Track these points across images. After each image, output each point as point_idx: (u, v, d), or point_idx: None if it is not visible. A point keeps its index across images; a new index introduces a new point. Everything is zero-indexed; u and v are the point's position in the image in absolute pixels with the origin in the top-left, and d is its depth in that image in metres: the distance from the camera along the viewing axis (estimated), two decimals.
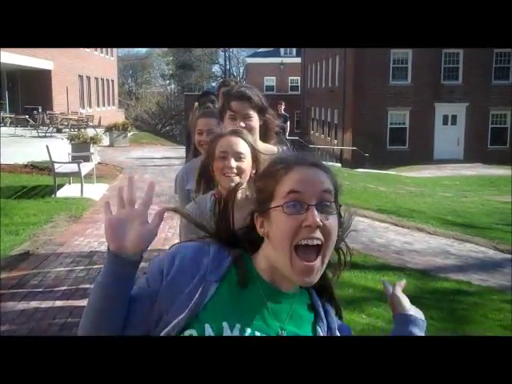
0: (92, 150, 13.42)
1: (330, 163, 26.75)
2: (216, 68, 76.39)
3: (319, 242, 1.29)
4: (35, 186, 11.38)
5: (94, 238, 7.58)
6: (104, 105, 41.19)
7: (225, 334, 1.25)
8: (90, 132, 17.13)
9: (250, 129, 2.62)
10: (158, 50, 73.12)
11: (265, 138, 2.91)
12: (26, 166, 13.77)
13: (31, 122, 24.48)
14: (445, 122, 30.95)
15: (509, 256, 8.63)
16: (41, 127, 23.89)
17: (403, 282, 1.58)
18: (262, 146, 2.74)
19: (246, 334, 1.28)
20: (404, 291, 1.57)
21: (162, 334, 1.30)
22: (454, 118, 30.92)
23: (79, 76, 34.54)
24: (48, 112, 26.21)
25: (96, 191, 11.18)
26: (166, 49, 72.41)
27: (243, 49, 69.71)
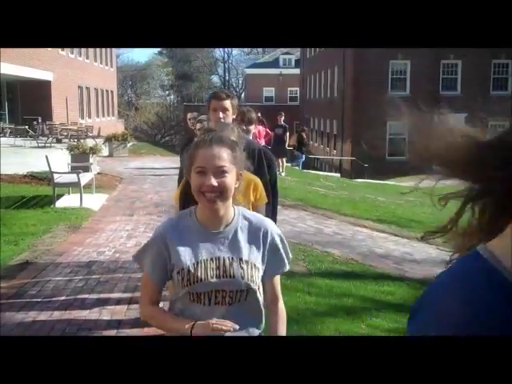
0: (91, 160, 13.44)
1: (329, 173, 26.80)
2: (215, 79, 76.72)
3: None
4: (34, 196, 11.37)
5: (92, 248, 7.57)
6: (103, 115, 41.27)
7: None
8: (90, 142, 17.15)
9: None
10: (157, 61, 73.38)
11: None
12: (25, 176, 13.76)
13: (31, 132, 24.50)
14: None
15: None
16: (40, 137, 23.91)
17: None
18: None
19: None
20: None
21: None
22: None
23: (79, 87, 34.63)
24: (47, 122, 26.24)
25: (95, 201, 11.17)
26: (165, 59, 72.69)
27: (242, 60, 70.04)
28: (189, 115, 6.41)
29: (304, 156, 23.78)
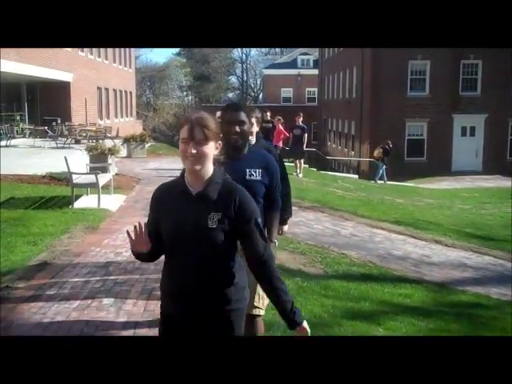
0: (110, 160, 13.50)
1: (347, 175, 26.72)
2: (233, 79, 76.78)
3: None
4: (53, 196, 11.46)
5: (110, 249, 7.60)
6: (122, 116, 41.50)
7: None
8: (108, 143, 17.25)
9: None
10: (175, 62, 73.59)
11: None
12: (44, 176, 13.87)
13: (50, 133, 24.69)
14: (463, 134, 30.76)
15: None
16: (59, 138, 24.09)
17: None
18: None
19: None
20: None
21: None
22: (473, 129, 30.72)
23: (98, 88, 34.85)
24: (67, 123, 26.44)
25: (113, 202, 11.22)
26: (183, 60, 72.89)
27: (260, 60, 70.01)
28: (218, 113, 6.34)
29: (384, 166, 24.36)
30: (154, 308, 5.39)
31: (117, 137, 25.95)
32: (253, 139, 3.96)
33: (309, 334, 2.24)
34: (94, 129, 26.86)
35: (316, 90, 50.43)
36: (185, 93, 74.24)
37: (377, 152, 25.23)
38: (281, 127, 18.58)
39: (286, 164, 5.13)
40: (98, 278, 6.33)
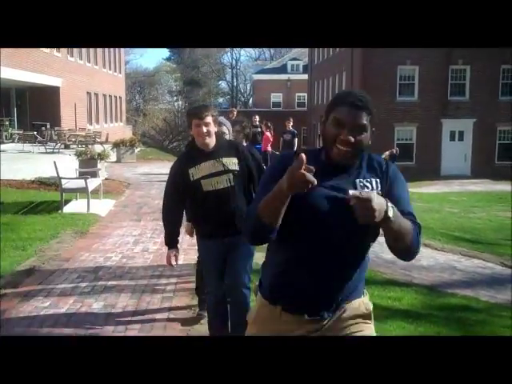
0: (99, 165, 13.47)
1: None
2: (223, 85, 76.84)
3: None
4: (42, 201, 11.41)
5: (99, 254, 7.57)
6: (112, 121, 41.39)
7: None
8: (98, 148, 17.21)
9: None
10: (165, 67, 73.52)
11: None
12: (33, 181, 13.81)
13: (39, 138, 24.60)
14: (452, 138, 30.92)
15: None
16: (49, 143, 24.01)
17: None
18: None
19: None
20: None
21: None
22: (461, 133, 30.89)
23: (87, 93, 34.75)
24: (56, 128, 26.35)
25: (102, 207, 11.19)
26: (173, 65, 72.82)
27: (250, 65, 70.12)
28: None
29: None
30: (144, 312, 5.38)
31: (106, 142, 25.89)
32: (212, 140, 3.96)
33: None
34: (84, 134, 26.80)
35: (306, 95, 50.51)
36: (175, 98, 74.17)
37: (383, 157, 25.69)
38: (267, 133, 18.49)
39: None
40: (87, 283, 6.30)
